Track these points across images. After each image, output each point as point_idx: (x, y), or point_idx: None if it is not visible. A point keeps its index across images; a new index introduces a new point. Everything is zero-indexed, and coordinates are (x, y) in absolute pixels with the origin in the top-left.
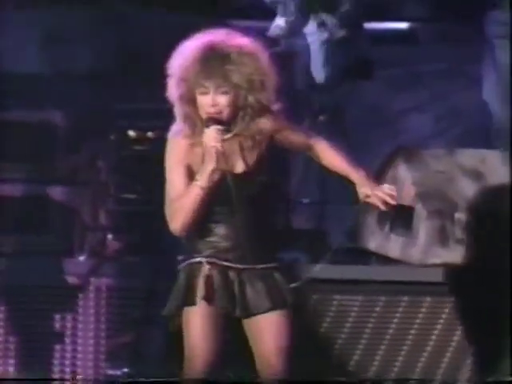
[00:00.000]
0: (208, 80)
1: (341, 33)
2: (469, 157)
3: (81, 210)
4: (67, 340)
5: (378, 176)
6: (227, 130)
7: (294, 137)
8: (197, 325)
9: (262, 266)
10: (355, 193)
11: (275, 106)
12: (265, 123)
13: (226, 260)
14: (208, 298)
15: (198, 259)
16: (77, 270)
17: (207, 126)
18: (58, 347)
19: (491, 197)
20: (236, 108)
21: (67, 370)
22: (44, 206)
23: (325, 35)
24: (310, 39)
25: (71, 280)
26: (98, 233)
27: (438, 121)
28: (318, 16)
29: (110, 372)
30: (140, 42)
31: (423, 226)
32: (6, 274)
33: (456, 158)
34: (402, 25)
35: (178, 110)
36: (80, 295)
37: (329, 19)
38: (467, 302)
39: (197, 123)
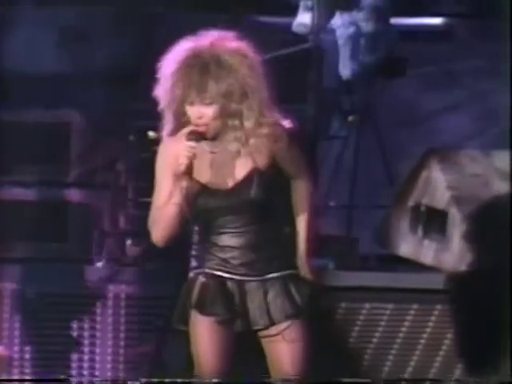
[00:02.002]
0: (191, 91)
1: (368, 27)
2: (506, 159)
3: (98, 214)
4: (85, 349)
5: (411, 178)
6: (212, 145)
7: (289, 165)
8: (200, 334)
9: (266, 276)
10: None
11: (279, 123)
12: (260, 140)
13: (227, 272)
14: (199, 306)
15: (200, 270)
16: (94, 277)
17: (188, 140)
18: (75, 357)
19: None
20: (226, 119)
21: (85, 379)
22: (60, 211)
23: (351, 29)
24: (337, 34)
25: (88, 288)
26: (117, 238)
27: (474, 121)
28: (344, 10)
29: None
30: (162, 42)
31: (457, 232)
32: (21, 281)
33: (493, 160)
34: (437, 20)
35: (166, 117)
36: (98, 303)
37: (355, 13)
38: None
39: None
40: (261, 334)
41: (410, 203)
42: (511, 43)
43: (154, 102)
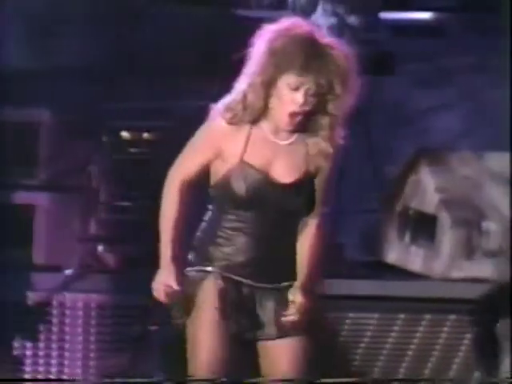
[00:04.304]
0: (308, 75)
1: (352, 20)
2: (498, 161)
3: (69, 218)
4: (53, 362)
5: (399, 181)
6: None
7: (320, 188)
8: (204, 339)
9: (276, 285)
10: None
11: (340, 134)
12: (324, 147)
13: (240, 275)
14: (223, 314)
15: (209, 269)
16: (64, 285)
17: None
18: (42, 369)
19: None
20: (317, 104)
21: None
22: (28, 215)
23: (331, 20)
24: (318, 24)
25: (58, 297)
26: (88, 244)
27: (466, 120)
28: (327, 2)
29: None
30: (139, 38)
31: (447, 237)
32: None
33: (484, 161)
34: (427, 15)
35: (249, 94)
36: (67, 313)
37: (337, 4)
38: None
39: (254, 114)
40: (263, 346)
41: (398, 207)
42: (511, 45)
43: (130, 101)
